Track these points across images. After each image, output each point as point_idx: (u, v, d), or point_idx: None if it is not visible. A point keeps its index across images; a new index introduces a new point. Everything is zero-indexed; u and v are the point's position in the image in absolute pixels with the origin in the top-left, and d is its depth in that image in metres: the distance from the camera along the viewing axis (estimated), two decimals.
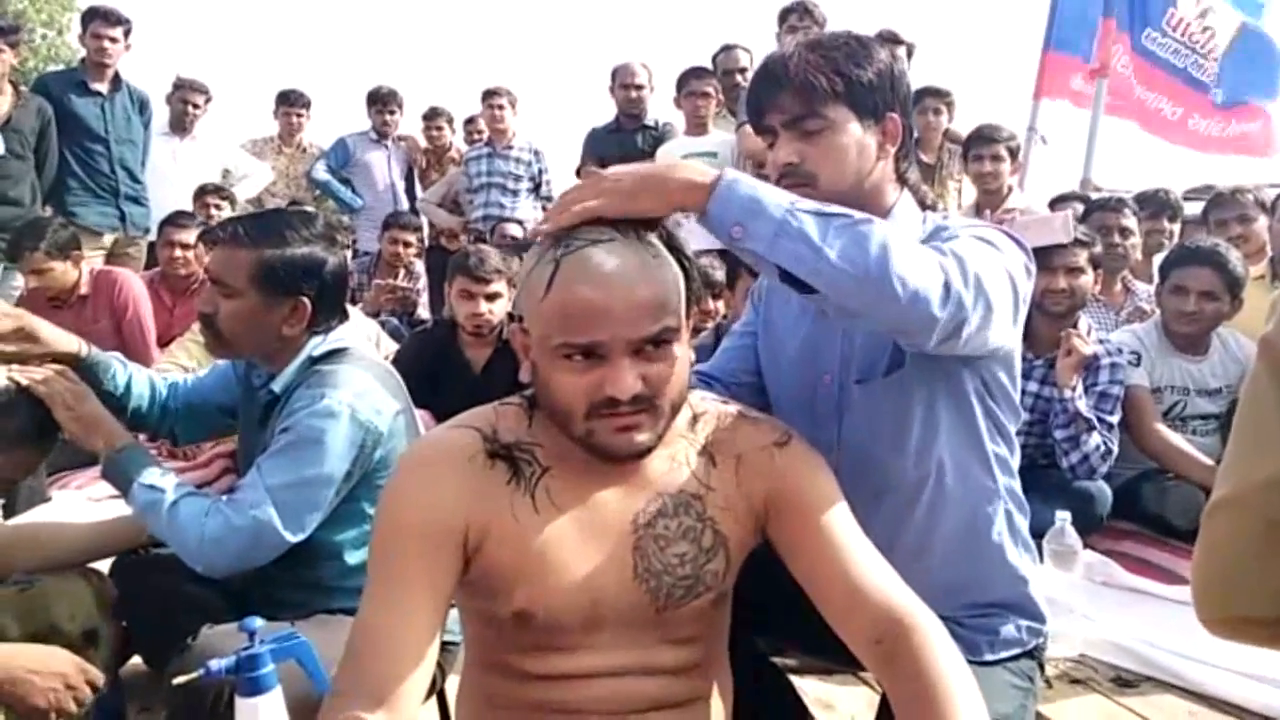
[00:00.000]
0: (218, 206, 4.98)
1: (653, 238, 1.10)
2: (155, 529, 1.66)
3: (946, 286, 1.11)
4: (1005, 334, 1.25)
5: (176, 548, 1.62)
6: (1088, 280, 2.98)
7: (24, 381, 1.67)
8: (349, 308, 1.90)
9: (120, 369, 1.88)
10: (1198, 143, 5.39)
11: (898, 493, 1.36)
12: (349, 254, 5.18)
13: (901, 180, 1.40)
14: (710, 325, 3.36)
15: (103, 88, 4.86)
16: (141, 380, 1.91)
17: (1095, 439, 2.88)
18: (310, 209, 4.88)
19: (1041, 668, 1.43)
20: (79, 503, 2.97)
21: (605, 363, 1.05)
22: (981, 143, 4.22)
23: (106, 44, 4.80)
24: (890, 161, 1.37)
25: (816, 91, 1.29)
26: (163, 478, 1.66)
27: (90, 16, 4.83)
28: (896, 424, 1.34)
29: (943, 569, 1.34)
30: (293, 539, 1.62)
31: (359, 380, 1.69)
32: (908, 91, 1.38)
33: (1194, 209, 4.61)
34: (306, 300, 1.71)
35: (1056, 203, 4.30)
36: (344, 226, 5.41)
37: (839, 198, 1.25)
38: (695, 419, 1.21)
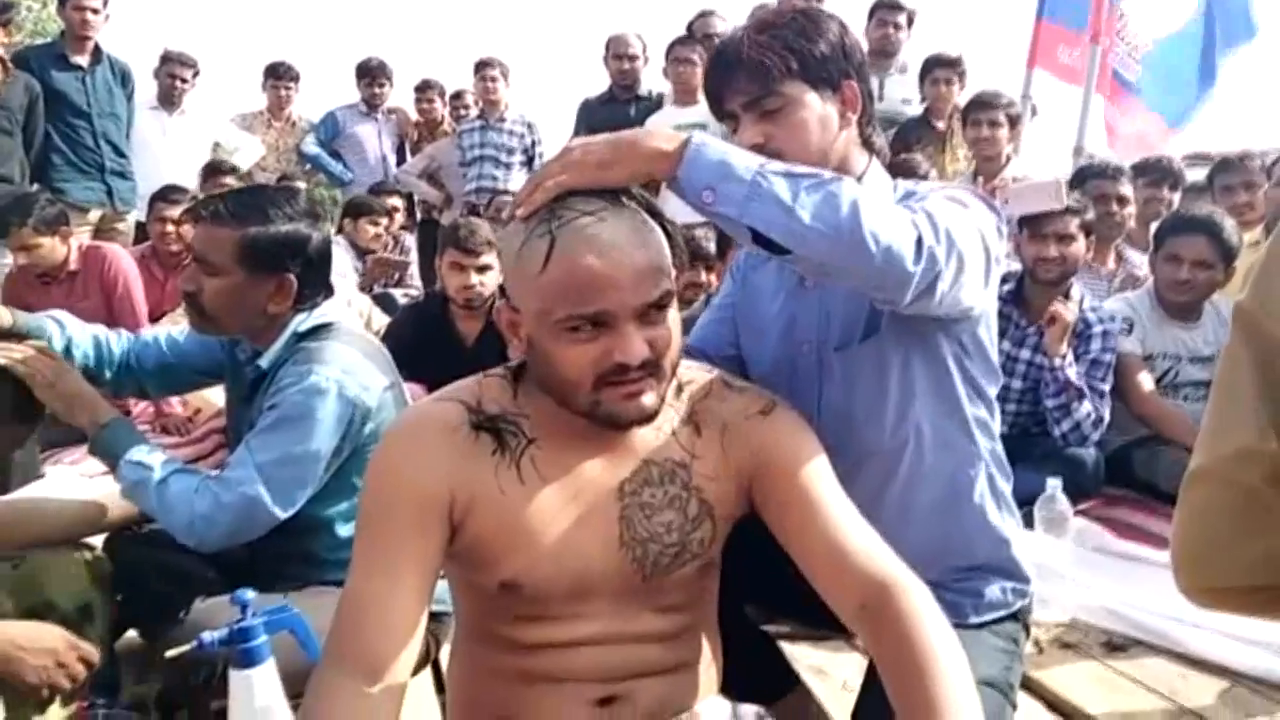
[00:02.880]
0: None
1: (634, 204, 1.10)
2: (144, 506, 1.66)
3: (919, 242, 1.11)
4: (978, 293, 1.26)
5: (166, 524, 1.62)
6: (1079, 247, 2.97)
7: (2, 360, 1.65)
8: (337, 281, 1.89)
9: (57, 331, 1.82)
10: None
11: (878, 459, 1.36)
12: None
13: (867, 145, 1.40)
14: (701, 298, 3.36)
15: (83, 61, 4.80)
16: (84, 340, 1.86)
17: (1086, 407, 2.88)
18: (299, 184, 4.86)
19: (1027, 630, 1.44)
20: (73, 479, 2.97)
21: (611, 331, 1.05)
22: (979, 108, 4.18)
23: (89, 15, 4.74)
24: (854, 129, 1.38)
25: (771, 70, 1.29)
26: (150, 454, 1.65)
27: None
28: (874, 390, 1.34)
29: (925, 533, 1.34)
30: (282, 515, 1.62)
31: (346, 356, 1.69)
32: (862, 58, 1.38)
33: (1190, 176, 4.58)
34: (292, 277, 1.71)
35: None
36: (337, 201, 5.40)
37: None
38: (680, 388, 1.21)
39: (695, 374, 1.24)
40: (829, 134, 1.34)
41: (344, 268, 4.72)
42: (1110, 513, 2.91)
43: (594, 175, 1.08)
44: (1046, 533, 2.48)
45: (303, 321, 1.74)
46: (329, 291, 1.82)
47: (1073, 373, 2.90)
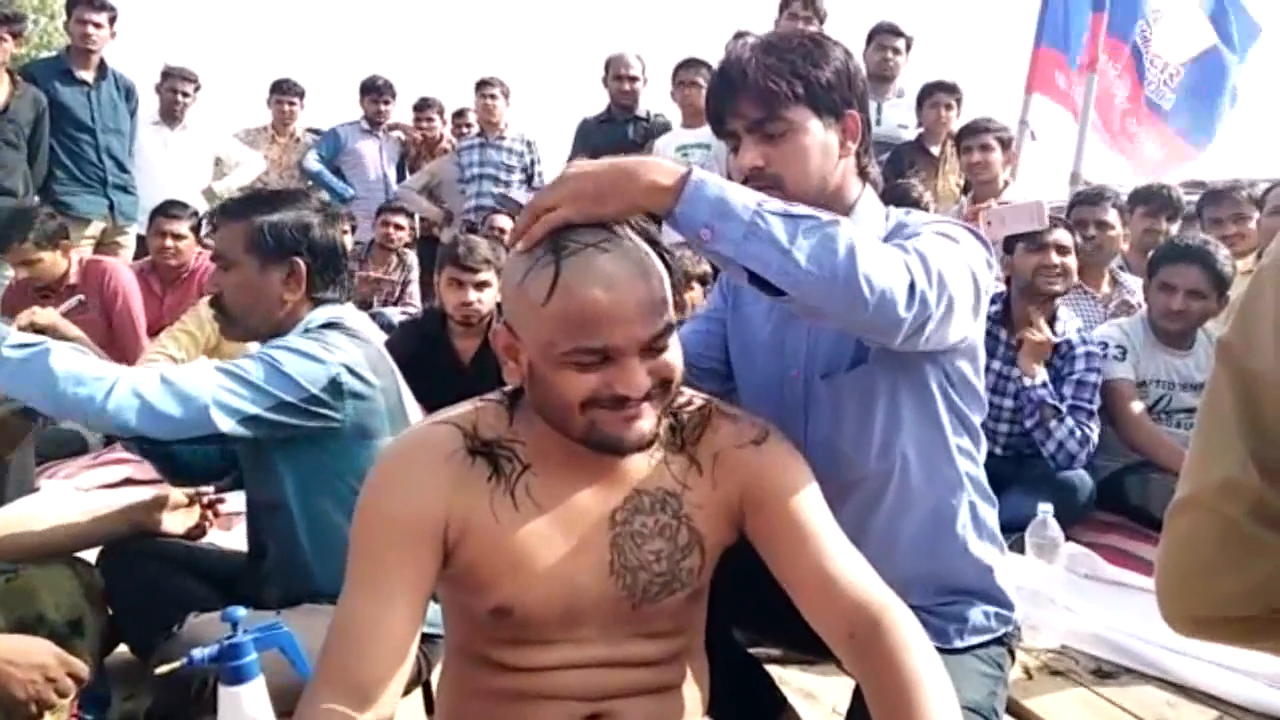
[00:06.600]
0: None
1: (633, 234, 1.10)
2: (35, 384, 1.49)
3: (911, 287, 1.12)
4: (966, 327, 1.27)
5: (73, 397, 1.48)
6: (1074, 260, 3.02)
7: None
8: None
9: None
10: (1125, 148, 5.37)
11: (863, 486, 1.37)
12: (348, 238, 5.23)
13: (863, 175, 1.41)
14: (690, 318, 3.37)
15: (88, 76, 4.84)
16: None
17: (1067, 425, 2.91)
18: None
19: (1012, 655, 1.45)
20: (67, 493, 2.98)
21: (614, 363, 1.05)
22: (971, 134, 4.25)
23: (91, 29, 4.78)
24: (852, 158, 1.38)
25: (776, 95, 1.29)
26: (36, 339, 1.54)
27: (74, 2, 4.80)
28: (860, 418, 1.35)
29: (910, 559, 1.35)
30: (216, 424, 1.57)
31: (345, 344, 1.70)
32: (864, 88, 1.39)
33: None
34: (301, 262, 1.74)
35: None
36: (341, 215, 5.42)
37: (805, 198, 1.26)
38: (674, 415, 1.21)
39: (689, 401, 1.25)
40: (829, 161, 1.34)
41: None
42: (1102, 539, 2.91)
43: (590, 209, 1.07)
44: (1038, 558, 2.47)
45: (316, 320, 1.75)
46: (345, 292, 1.84)
47: (1046, 392, 2.93)
